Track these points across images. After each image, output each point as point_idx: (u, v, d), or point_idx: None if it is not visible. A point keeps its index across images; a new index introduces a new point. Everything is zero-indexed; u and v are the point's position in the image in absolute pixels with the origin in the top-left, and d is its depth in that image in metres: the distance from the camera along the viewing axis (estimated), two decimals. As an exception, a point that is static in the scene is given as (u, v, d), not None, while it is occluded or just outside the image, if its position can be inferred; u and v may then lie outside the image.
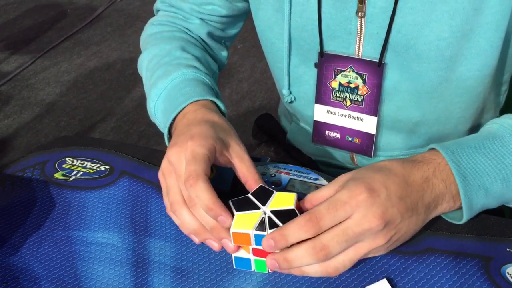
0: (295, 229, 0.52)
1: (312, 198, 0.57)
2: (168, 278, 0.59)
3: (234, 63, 2.68)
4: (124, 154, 0.79)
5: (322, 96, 0.77)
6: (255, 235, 0.55)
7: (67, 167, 0.78)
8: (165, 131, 0.70)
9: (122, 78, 2.59)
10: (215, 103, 0.71)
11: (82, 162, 0.78)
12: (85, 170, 0.77)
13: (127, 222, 0.67)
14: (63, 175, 0.76)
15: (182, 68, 0.74)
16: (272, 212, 0.56)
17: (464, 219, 0.58)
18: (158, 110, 0.73)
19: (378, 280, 0.56)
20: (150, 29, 0.87)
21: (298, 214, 0.56)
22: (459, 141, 0.60)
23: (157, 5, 0.92)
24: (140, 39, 0.90)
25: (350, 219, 0.52)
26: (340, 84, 0.74)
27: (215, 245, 0.58)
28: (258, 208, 0.57)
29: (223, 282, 0.58)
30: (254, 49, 2.74)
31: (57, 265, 0.62)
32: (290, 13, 0.72)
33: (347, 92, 0.74)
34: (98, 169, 0.77)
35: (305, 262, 0.52)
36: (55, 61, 2.81)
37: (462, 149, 0.58)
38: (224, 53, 0.92)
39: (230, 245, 0.56)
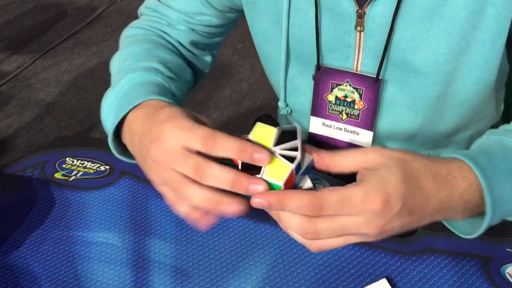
0: (295, 202, 0.47)
1: (331, 161, 0.52)
2: (168, 278, 0.59)
3: (234, 63, 2.68)
4: (124, 154, 0.79)
5: (318, 108, 0.77)
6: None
7: (67, 167, 0.78)
8: (113, 151, 0.63)
9: (122, 78, 2.59)
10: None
11: (82, 162, 0.78)
12: (85, 170, 0.77)
13: (127, 222, 0.67)
14: (63, 175, 0.76)
15: (130, 73, 0.66)
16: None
17: (474, 236, 0.54)
18: (109, 122, 0.63)
19: (378, 280, 0.56)
20: (126, 32, 0.83)
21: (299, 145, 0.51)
22: (492, 161, 0.55)
23: (141, 9, 0.87)
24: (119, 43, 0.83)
25: (351, 218, 0.48)
26: (337, 98, 0.74)
27: (237, 207, 0.50)
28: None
29: (223, 282, 0.58)
30: (254, 49, 2.72)
31: (57, 265, 0.62)
32: (288, 26, 0.72)
33: (343, 105, 0.74)
34: (98, 169, 0.77)
35: (293, 230, 0.49)
36: (55, 61, 2.81)
37: (495, 174, 0.54)
38: (208, 58, 0.88)
39: (259, 188, 0.49)
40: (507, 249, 0.58)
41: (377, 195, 0.48)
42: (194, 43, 0.84)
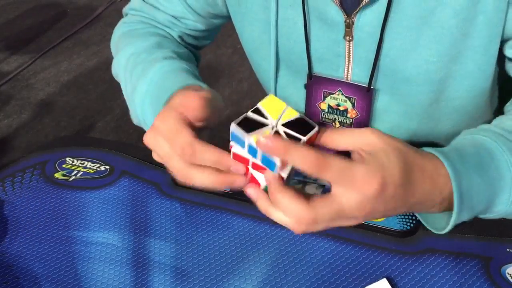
0: (300, 154, 0.47)
1: (329, 137, 0.52)
2: (168, 278, 0.59)
3: (234, 63, 2.68)
4: (124, 154, 0.79)
5: (311, 117, 0.76)
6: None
7: (67, 167, 0.78)
8: None
9: (122, 78, 2.59)
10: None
11: (82, 162, 0.78)
12: (85, 170, 0.77)
13: (127, 222, 0.67)
14: (63, 175, 0.76)
15: (157, 63, 0.68)
16: (283, 125, 0.50)
17: (445, 231, 0.56)
18: (148, 114, 0.67)
19: (378, 280, 0.56)
20: (122, 28, 0.82)
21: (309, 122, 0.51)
22: (462, 155, 0.56)
23: (125, 10, 0.87)
24: (111, 42, 0.82)
25: (346, 201, 0.49)
26: (329, 106, 0.74)
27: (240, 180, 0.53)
28: (266, 125, 0.51)
29: (223, 282, 0.58)
30: (254, 49, 2.74)
31: (57, 265, 0.62)
32: (277, 36, 0.71)
33: (336, 114, 0.74)
34: (98, 169, 0.77)
35: (288, 214, 0.49)
36: (55, 61, 2.81)
37: (464, 166, 0.55)
38: (197, 55, 0.88)
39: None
40: (507, 249, 0.58)
41: (376, 178, 0.48)
42: (185, 43, 0.84)
